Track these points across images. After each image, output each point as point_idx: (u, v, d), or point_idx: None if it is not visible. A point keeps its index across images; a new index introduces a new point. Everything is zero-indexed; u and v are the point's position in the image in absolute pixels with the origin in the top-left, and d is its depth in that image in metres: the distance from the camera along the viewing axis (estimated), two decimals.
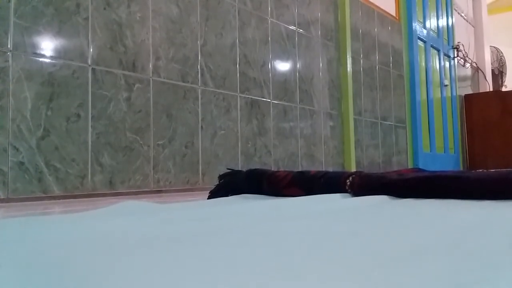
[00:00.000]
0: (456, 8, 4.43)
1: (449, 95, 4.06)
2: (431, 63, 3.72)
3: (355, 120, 2.60)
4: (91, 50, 1.30)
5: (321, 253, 0.46)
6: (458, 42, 4.31)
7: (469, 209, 0.82)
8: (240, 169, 1.40)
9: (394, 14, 3.21)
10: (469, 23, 4.85)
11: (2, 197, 1.08)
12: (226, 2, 1.79)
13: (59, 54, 1.22)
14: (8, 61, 1.12)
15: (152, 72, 1.47)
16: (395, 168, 2.96)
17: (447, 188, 0.99)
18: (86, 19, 1.29)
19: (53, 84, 1.20)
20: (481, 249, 0.47)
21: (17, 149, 1.11)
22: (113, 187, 1.32)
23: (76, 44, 1.26)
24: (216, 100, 1.71)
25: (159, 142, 1.47)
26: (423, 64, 3.58)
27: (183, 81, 1.58)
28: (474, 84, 4.84)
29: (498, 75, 5.34)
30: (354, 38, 2.66)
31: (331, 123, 2.42)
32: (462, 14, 4.67)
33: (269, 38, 2.01)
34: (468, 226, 0.63)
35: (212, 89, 1.69)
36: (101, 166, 1.29)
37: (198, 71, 1.64)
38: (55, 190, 1.18)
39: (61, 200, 1.18)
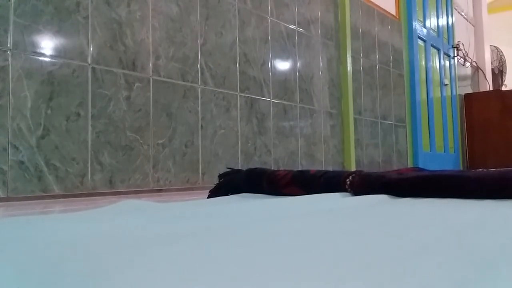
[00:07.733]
0: (456, 7, 4.43)
1: (449, 94, 4.06)
2: (431, 62, 3.72)
3: (355, 119, 2.60)
4: (91, 49, 1.30)
5: (320, 252, 0.46)
6: (458, 41, 4.31)
7: (469, 208, 0.82)
8: (240, 168, 1.40)
9: (394, 13, 3.21)
10: (469, 22, 4.85)
11: (2, 196, 1.08)
12: (226, 1, 1.79)
13: (59, 53, 1.22)
14: (8, 60, 1.12)
15: (152, 71, 1.47)
16: (395, 168, 2.96)
17: (447, 187, 0.99)
18: (86, 18, 1.29)
19: (53, 83, 1.20)
20: (481, 248, 0.47)
21: (17, 148, 1.11)
22: (113, 186, 1.32)
23: (76, 43, 1.26)
24: (216, 99, 1.71)
25: (159, 141, 1.47)
26: (423, 63, 3.58)
27: (183, 80, 1.58)
28: (474, 84, 4.84)
29: (498, 74, 5.34)
30: (354, 37, 2.66)
31: (331, 122, 2.42)
32: (462, 13, 4.66)
33: (269, 37, 2.01)
34: (467, 225, 0.63)
35: (212, 88, 1.69)
36: (101, 165, 1.29)
37: (198, 70, 1.64)
38: (55, 189, 1.18)
39: (61, 199, 1.19)
